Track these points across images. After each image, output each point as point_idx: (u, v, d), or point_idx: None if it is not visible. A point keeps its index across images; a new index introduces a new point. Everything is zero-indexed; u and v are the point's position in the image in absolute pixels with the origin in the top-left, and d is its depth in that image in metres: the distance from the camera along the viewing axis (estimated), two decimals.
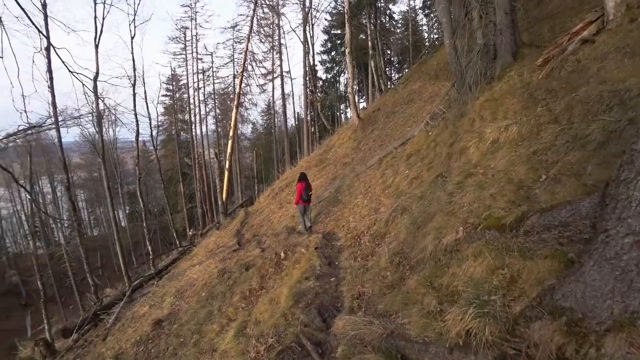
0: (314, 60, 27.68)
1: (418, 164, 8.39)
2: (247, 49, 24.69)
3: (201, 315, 8.17)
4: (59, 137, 17.48)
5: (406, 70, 30.83)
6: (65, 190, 17.47)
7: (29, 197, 16.78)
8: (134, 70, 21.04)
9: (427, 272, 3.99)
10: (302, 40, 23.91)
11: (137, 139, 21.40)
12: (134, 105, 20.89)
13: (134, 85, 20.95)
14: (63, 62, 13.45)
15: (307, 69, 26.83)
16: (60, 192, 46.22)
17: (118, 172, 35.59)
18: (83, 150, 43.45)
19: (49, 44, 15.44)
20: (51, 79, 16.12)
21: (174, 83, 33.74)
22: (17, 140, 19.28)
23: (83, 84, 13.29)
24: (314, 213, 11.06)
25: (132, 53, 21.04)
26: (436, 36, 29.56)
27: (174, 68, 32.00)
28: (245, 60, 24.57)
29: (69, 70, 12.90)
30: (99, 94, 19.12)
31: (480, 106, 7.44)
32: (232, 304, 7.63)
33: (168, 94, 33.19)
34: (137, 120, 21.07)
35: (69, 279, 32.25)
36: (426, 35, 36.15)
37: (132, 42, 21.07)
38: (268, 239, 11.59)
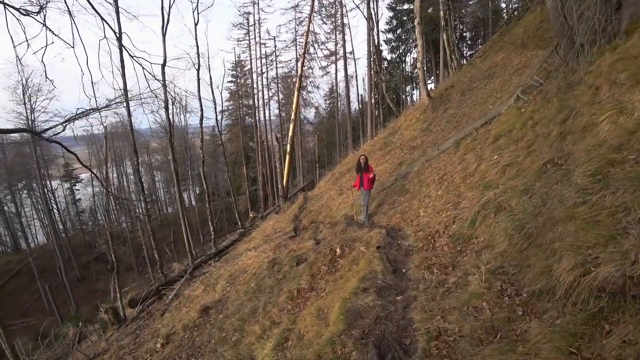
0: (378, 38, 25.54)
1: (511, 148, 6.48)
2: (308, 29, 23.34)
3: (246, 310, 7.23)
4: (130, 122, 17.65)
5: (480, 45, 27.49)
6: (134, 171, 17.62)
7: (97, 179, 17.23)
8: (198, 56, 20.74)
9: (565, 322, 2.38)
10: (365, 16, 21.92)
11: (201, 123, 21.24)
12: (198, 90, 20.65)
13: (198, 71, 20.67)
14: (131, 55, 13.10)
15: (371, 48, 24.81)
16: (142, 172, 49.43)
17: (188, 155, 36.58)
18: (160, 136, 45.53)
19: (121, 34, 15.39)
20: (123, 67, 16.19)
21: (238, 69, 33.54)
22: (89, 120, 20.12)
23: (143, 68, 12.76)
24: (376, 203, 9.55)
25: (196, 39, 20.85)
26: (516, 5, 25.79)
27: (239, 54, 31.71)
28: (306, 41, 23.24)
29: (134, 59, 12.47)
30: (166, 80, 19.11)
31: (609, 68, 5.40)
32: (278, 303, 6.53)
33: (233, 79, 33.04)
34: (201, 105, 20.86)
35: (143, 252, 34.62)
36: (504, 4, 32.00)
37: (195, 28, 20.74)
38: (325, 228, 10.39)
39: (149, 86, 14.93)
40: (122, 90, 16.47)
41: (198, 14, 20.50)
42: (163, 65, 19.15)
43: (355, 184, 9.19)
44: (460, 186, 6.64)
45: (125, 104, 17.04)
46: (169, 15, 19.14)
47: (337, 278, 5.83)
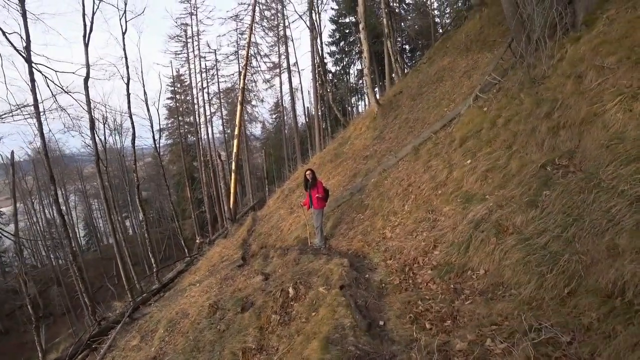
0: (322, 47, 24.75)
1: (485, 150, 5.40)
2: (249, 40, 21.86)
3: None
4: (43, 143, 14.95)
5: (419, 57, 27.63)
6: (54, 202, 14.95)
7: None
8: (127, 68, 18.40)
9: None
10: (309, 25, 20.95)
11: (133, 143, 18.83)
12: (129, 107, 18.27)
13: (127, 85, 18.32)
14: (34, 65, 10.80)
15: (315, 58, 23.89)
16: (74, 201, 44.44)
17: (127, 179, 33.21)
18: (92, 159, 41.40)
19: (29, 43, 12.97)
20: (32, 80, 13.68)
21: (177, 84, 31.13)
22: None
23: (46, 77, 10.61)
24: (331, 222, 8.18)
25: (124, 50, 18.40)
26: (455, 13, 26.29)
27: (177, 68, 29.37)
28: (248, 52, 21.72)
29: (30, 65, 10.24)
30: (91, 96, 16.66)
31: (592, 54, 4.50)
32: None
33: (172, 96, 30.55)
34: (132, 123, 18.48)
35: (78, 293, 30.55)
36: (438, 20, 32.75)
37: (123, 38, 18.43)
38: (276, 255, 8.86)
39: (55, 100, 12.55)
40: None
41: (126, 22, 18.30)
42: (86, 79, 16.74)
43: (304, 202, 7.77)
44: (431, 199, 5.44)
45: (35, 119, 14.52)
46: (92, 22, 16.85)
47: (293, 333, 4.32)
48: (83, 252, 41.77)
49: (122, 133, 30.82)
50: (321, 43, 26.34)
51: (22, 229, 40.93)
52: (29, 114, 13.39)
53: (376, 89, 31.57)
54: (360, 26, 13.58)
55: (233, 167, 20.62)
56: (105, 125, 25.07)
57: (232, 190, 20.27)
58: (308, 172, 7.39)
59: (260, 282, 6.91)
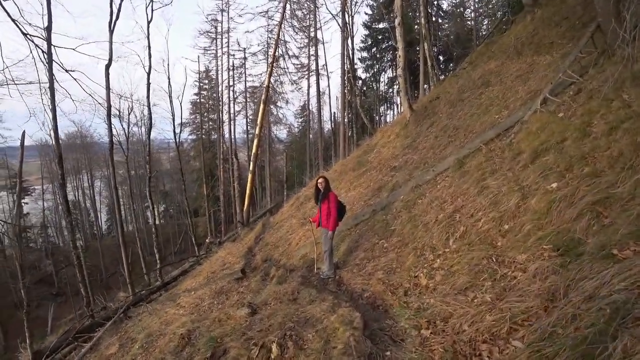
0: (353, 52, 23.03)
1: (580, 169, 3.50)
2: (278, 37, 20.35)
3: None
4: (55, 128, 13.84)
5: (451, 68, 25.48)
6: (59, 188, 13.81)
7: None
8: (149, 57, 17.31)
9: None
10: (340, 26, 19.27)
11: (149, 135, 17.72)
12: (148, 97, 17.15)
13: (148, 75, 17.19)
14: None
15: (345, 62, 22.20)
16: (99, 187, 44.35)
17: (148, 170, 32.37)
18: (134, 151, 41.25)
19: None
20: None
21: (206, 80, 30.16)
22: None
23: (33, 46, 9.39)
24: (346, 245, 6.37)
25: (148, 39, 17.33)
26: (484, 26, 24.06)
27: (205, 64, 28.40)
28: (275, 50, 20.24)
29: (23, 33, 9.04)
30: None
31: None
32: None
33: (198, 91, 29.52)
34: (150, 113, 17.35)
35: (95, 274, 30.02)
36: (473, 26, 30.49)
37: (148, 26, 17.36)
38: (276, 276, 7.22)
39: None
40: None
41: (152, 10, 17.24)
42: (108, 66, 15.69)
43: (314, 217, 5.99)
44: (493, 236, 3.57)
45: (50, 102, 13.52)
46: (119, 9, 15.83)
47: None
48: (103, 236, 41.57)
49: (146, 124, 30.00)
50: (352, 47, 24.65)
51: (49, 207, 41.11)
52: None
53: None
54: (396, 21, 11.77)
55: (251, 168, 19.07)
56: (130, 115, 24.08)
57: (247, 192, 18.70)
58: (320, 180, 5.63)
59: (245, 318, 5.17)
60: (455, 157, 6.34)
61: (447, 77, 14.67)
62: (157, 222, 18.46)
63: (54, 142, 14.22)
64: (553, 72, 7.56)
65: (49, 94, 13.48)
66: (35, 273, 34.98)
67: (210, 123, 30.43)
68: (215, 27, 25.58)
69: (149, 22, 16.97)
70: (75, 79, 11.57)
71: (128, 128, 24.65)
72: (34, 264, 36.17)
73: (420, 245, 4.51)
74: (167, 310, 9.21)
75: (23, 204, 40.13)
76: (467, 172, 5.54)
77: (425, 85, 17.15)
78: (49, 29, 13.09)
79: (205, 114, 29.90)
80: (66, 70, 11.10)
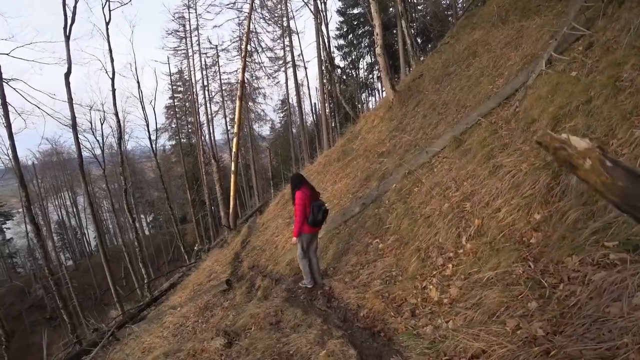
0: (328, 39, 21.91)
1: (624, 129, 2.59)
2: (248, 29, 19.11)
3: None
4: (14, 147, 12.54)
5: (431, 48, 24.52)
6: (25, 210, 12.63)
7: None
8: (112, 61, 15.99)
9: None
10: (313, 11, 18.13)
11: (119, 143, 16.36)
12: (114, 103, 15.84)
13: (112, 79, 15.89)
14: None
15: (321, 51, 21.09)
16: (83, 204, 42.55)
17: (126, 181, 30.92)
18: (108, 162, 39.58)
19: None
20: None
21: (180, 83, 28.69)
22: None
23: None
24: (334, 249, 5.43)
25: (108, 41, 15.96)
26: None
27: (177, 65, 26.91)
28: (247, 43, 19.01)
29: None
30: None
31: None
32: None
33: (172, 94, 28.03)
34: (118, 122, 16.04)
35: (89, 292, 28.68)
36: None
37: (107, 28, 16.02)
38: (261, 288, 6.33)
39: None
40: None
41: (110, 10, 15.90)
42: (67, 74, 14.43)
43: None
44: (523, 231, 2.65)
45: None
46: (73, 13, 14.50)
47: None
48: (93, 253, 39.96)
49: (123, 134, 28.48)
50: (327, 35, 23.50)
51: (32, 229, 39.31)
52: None
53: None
54: None
55: (233, 168, 17.96)
56: (104, 126, 22.69)
57: (231, 194, 17.61)
58: (300, 180, 4.68)
59: (220, 351, 4.22)
60: (452, 135, 5.41)
61: (429, 55, 13.73)
62: (140, 234, 17.31)
63: (13, 162, 13.01)
64: (549, 32, 6.67)
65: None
66: (26, 299, 33.45)
67: (189, 126, 29.05)
68: (184, 25, 24.14)
69: (107, 23, 15.66)
70: (15, 89, 10.29)
71: (102, 139, 23.27)
72: (23, 290, 34.53)
73: (424, 245, 3.58)
74: (152, 332, 8.40)
75: (5, 229, 38.30)
76: (468, 150, 4.62)
77: (406, 67, 16.20)
78: None
79: (183, 117, 28.51)
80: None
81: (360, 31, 29.50)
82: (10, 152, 12.31)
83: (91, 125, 22.78)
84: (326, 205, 4.53)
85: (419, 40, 30.58)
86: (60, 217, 38.09)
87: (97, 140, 23.13)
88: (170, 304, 10.51)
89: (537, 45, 6.86)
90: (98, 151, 23.69)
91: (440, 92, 8.75)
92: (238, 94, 18.52)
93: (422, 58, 17.76)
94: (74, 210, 37.98)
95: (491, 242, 2.78)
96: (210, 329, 5.83)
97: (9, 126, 12.23)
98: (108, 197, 41.49)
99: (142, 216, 42.71)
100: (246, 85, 23.00)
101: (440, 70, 10.22)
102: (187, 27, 24.23)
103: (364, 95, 34.46)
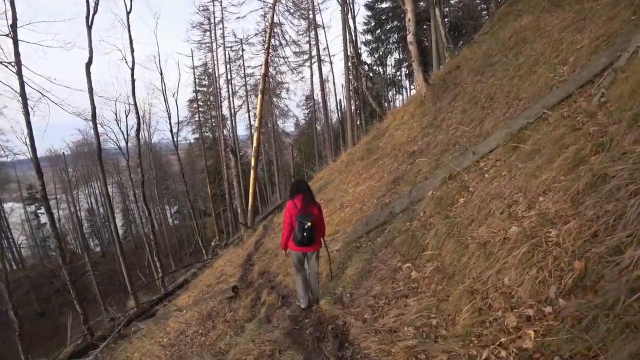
0: (355, 33, 20.72)
1: None
2: (272, 21, 18.20)
3: None
4: (31, 135, 12.14)
5: (462, 45, 22.78)
6: (43, 199, 12.27)
7: None
8: (132, 51, 15.45)
9: None
10: (340, 3, 16.94)
11: (137, 134, 15.89)
12: (133, 94, 15.32)
13: (132, 70, 15.36)
14: None
15: (348, 45, 19.93)
16: (112, 193, 43.24)
17: (153, 174, 30.97)
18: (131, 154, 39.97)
19: None
20: None
21: (205, 77, 28.20)
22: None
23: None
24: (353, 266, 4.33)
25: (129, 31, 15.46)
26: None
27: (201, 59, 26.37)
28: (270, 34, 18.13)
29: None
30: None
31: None
32: None
33: (196, 88, 27.54)
34: (137, 112, 15.52)
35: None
36: None
37: (127, 17, 15.54)
38: (266, 303, 5.39)
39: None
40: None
41: (131, 0, 15.37)
42: (88, 64, 14.03)
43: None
44: None
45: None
46: (96, 3, 14.04)
47: None
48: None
49: (150, 126, 28.35)
50: (355, 28, 22.30)
51: (66, 215, 40.22)
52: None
53: (413, 87, 27.03)
54: None
55: (253, 164, 17.12)
56: (128, 118, 22.46)
57: (250, 190, 16.80)
58: (301, 187, 4.05)
59: None
60: (507, 132, 4.19)
61: (466, 46, 12.28)
62: (157, 227, 16.85)
63: (30, 151, 12.62)
64: (629, 7, 5.29)
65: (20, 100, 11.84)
66: (55, 281, 34.14)
67: (212, 120, 28.55)
68: (208, 18, 23.48)
69: (128, 13, 15.19)
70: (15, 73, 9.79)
71: (127, 131, 23.07)
72: (53, 273, 35.32)
73: (481, 286, 2.43)
74: (153, 336, 7.62)
75: (39, 214, 39.35)
76: (536, 151, 3.40)
77: (438, 62, 14.82)
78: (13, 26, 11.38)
79: (207, 111, 28.01)
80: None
81: (389, 26, 28.02)
82: (28, 140, 11.83)
83: (116, 116, 22.62)
84: (310, 223, 3.66)
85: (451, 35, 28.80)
86: (90, 205, 38.75)
87: (122, 132, 23.01)
88: (179, 304, 9.92)
89: (612, 24, 5.48)
90: (124, 143, 23.66)
91: (483, 84, 7.44)
92: (260, 87, 17.65)
93: (455, 53, 16.28)
94: (102, 199, 38.61)
95: (612, 306, 1.63)
96: (203, 352, 4.92)
97: (26, 114, 11.84)
98: (134, 187, 42.07)
99: (166, 207, 43.04)
100: (269, 79, 22.14)
101: (481, 61, 8.86)
102: (212, 20, 23.58)
103: (390, 93, 32.96)
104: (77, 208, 36.37)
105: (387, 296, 3.29)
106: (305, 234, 3.63)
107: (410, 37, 9.58)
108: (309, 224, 3.63)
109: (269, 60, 18.78)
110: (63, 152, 34.15)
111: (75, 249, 41.05)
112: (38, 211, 38.75)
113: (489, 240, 2.71)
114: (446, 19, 26.28)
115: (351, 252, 4.78)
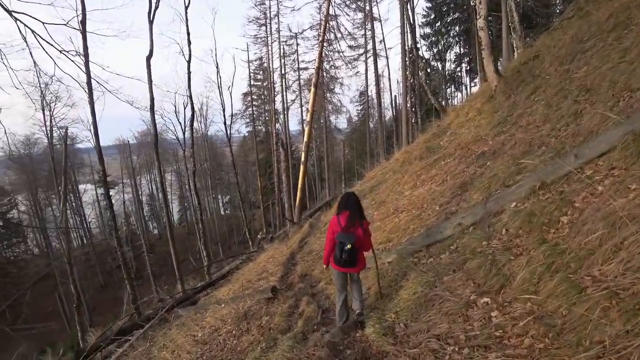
0: (414, 24, 19.39)
1: None
2: (327, 12, 17.54)
3: None
4: (95, 122, 12.65)
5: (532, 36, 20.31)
6: (103, 183, 12.90)
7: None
8: (189, 45, 15.67)
9: None
10: None
11: (191, 126, 16.14)
12: (189, 87, 15.56)
13: (188, 63, 15.59)
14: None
15: (405, 33, 18.71)
16: (170, 181, 45.69)
17: (208, 164, 32.02)
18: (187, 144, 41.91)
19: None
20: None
21: (260, 72, 28.36)
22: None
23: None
24: (407, 290, 3.53)
25: (187, 25, 15.68)
26: None
27: (256, 53, 26.48)
28: (325, 26, 17.50)
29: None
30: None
31: None
32: None
33: (250, 82, 27.77)
34: (192, 105, 15.74)
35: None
36: None
37: (186, 12, 15.79)
38: (304, 314, 4.85)
39: None
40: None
41: None
42: (149, 58, 14.43)
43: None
44: None
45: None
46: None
47: None
48: (174, 226, 42.85)
49: (207, 118, 29.22)
50: (414, 19, 20.95)
51: (130, 199, 43.29)
52: None
53: (474, 84, 24.91)
54: None
55: (302, 159, 16.71)
56: (186, 110, 23.26)
57: (299, 185, 16.42)
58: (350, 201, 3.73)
59: None
60: (628, 129, 3.13)
61: (547, 33, 10.65)
62: (204, 217, 17.14)
63: (93, 139, 13.16)
64: None
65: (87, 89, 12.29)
66: (118, 257, 36.96)
67: (266, 114, 28.70)
68: (264, 13, 23.42)
69: (186, 7, 15.40)
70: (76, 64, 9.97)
71: (184, 122, 23.94)
72: (115, 250, 38.27)
73: (613, 357, 1.57)
74: (189, 329, 7.36)
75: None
76: None
77: (509, 54, 13.21)
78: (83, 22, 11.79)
79: (261, 105, 28.20)
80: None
81: (450, 18, 26.05)
82: (92, 128, 12.32)
83: (175, 108, 23.57)
84: (350, 246, 3.29)
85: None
86: (150, 190, 41.25)
87: (180, 123, 23.94)
88: (219, 296, 9.68)
89: None
90: (182, 134, 24.63)
91: (574, 74, 6.14)
92: (313, 80, 17.15)
93: (529, 42, 14.48)
94: (161, 185, 41.04)
95: None
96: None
97: (91, 102, 12.33)
98: (189, 176, 44.00)
99: (219, 197, 44.56)
100: (323, 72, 21.56)
101: (568, 48, 7.43)
102: (268, 14, 23.48)
103: (449, 90, 30.85)
104: (140, 193, 38.82)
105: (457, 341, 2.47)
106: (343, 255, 3.32)
107: (480, 22, 8.39)
108: (349, 246, 3.30)
109: (323, 54, 18.24)
110: (128, 141, 36.59)
111: (136, 229, 44.03)
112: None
113: (628, 288, 1.80)
114: (517, 8, 23.85)
115: (407, 268, 3.98)
